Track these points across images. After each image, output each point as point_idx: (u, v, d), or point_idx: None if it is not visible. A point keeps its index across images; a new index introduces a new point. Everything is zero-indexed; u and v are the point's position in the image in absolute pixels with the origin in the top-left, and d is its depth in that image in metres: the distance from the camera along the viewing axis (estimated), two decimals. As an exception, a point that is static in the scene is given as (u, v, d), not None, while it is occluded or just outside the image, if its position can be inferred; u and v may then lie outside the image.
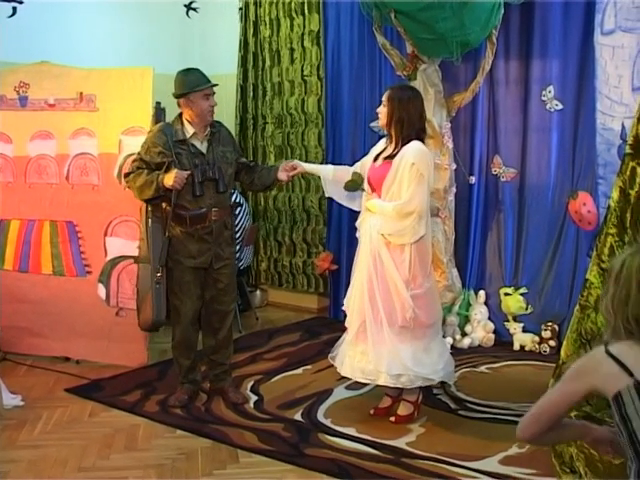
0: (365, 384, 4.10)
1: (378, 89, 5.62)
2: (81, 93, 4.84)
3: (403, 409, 3.91)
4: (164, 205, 3.98)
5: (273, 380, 4.58)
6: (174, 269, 4.02)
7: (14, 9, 5.32)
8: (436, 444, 3.60)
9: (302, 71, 6.23)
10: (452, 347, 4.82)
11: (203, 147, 4.01)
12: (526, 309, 5.24)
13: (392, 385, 3.77)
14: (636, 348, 1.90)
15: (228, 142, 4.14)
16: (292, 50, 6.28)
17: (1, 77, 4.98)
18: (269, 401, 4.21)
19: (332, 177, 4.03)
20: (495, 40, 4.90)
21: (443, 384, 4.18)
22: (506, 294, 5.31)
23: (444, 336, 4.33)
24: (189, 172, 3.88)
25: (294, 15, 6.22)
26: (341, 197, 4.05)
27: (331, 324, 5.73)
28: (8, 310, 4.76)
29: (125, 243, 4.72)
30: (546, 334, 5.04)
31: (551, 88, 5.05)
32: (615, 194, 2.92)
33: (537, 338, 5.09)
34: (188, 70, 4.02)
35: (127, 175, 4.04)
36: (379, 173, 3.75)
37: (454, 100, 5.20)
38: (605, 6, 4.63)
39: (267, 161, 6.43)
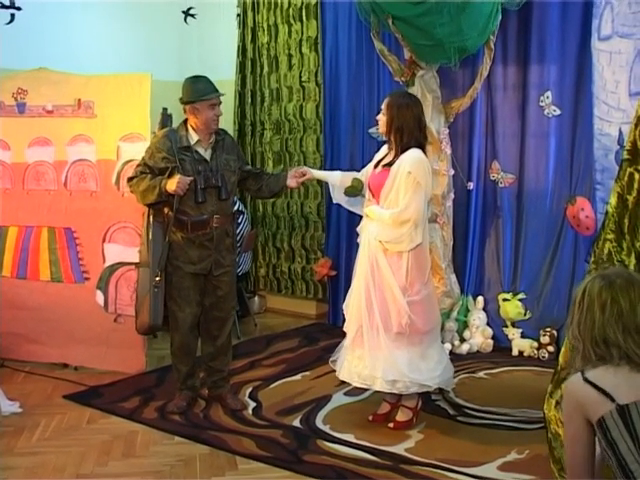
0: (364, 390, 4.10)
1: (376, 95, 5.64)
2: (79, 99, 4.84)
3: (402, 415, 3.90)
4: (166, 210, 3.99)
5: (272, 386, 4.58)
6: (173, 274, 4.02)
7: (12, 15, 5.32)
8: (435, 450, 3.59)
9: (300, 77, 6.23)
10: (450, 353, 4.82)
11: (207, 154, 4.01)
12: (524, 315, 5.24)
13: (387, 391, 3.77)
14: (611, 371, 1.91)
15: (232, 150, 4.14)
16: (290, 56, 6.28)
17: (-1, 83, 4.99)
18: (267, 407, 4.20)
19: (339, 183, 4.02)
20: (493, 46, 4.91)
21: (441, 390, 4.17)
22: (504, 300, 5.31)
23: (442, 342, 4.33)
24: (192, 178, 3.89)
25: (292, 21, 6.22)
26: (347, 203, 4.07)
27: (330, 330, 5.72)
28: (6, 316, 4.75)
29: (123, 249, 4.71)
30: (545, 340, 5.03)
31: (549, 94, 5.06)
32: (613, 200, 2.92)
33: (536, 344, 5.08)
34: (196, 78, 4.02)
35: (130, 179, 4.05)
36: (378, 180, 3.76)
37: (452, 106, 5.21)
38: (602, 12, 4.64)
39: (265, 167, 6.42)
